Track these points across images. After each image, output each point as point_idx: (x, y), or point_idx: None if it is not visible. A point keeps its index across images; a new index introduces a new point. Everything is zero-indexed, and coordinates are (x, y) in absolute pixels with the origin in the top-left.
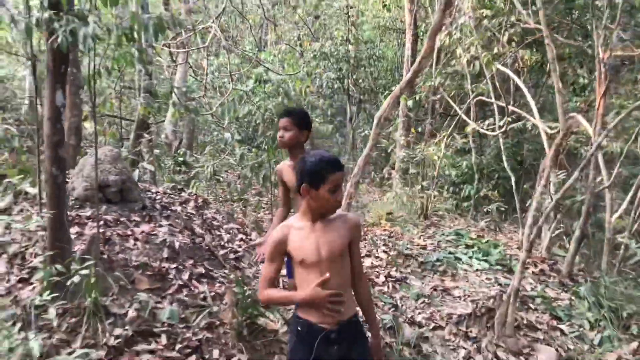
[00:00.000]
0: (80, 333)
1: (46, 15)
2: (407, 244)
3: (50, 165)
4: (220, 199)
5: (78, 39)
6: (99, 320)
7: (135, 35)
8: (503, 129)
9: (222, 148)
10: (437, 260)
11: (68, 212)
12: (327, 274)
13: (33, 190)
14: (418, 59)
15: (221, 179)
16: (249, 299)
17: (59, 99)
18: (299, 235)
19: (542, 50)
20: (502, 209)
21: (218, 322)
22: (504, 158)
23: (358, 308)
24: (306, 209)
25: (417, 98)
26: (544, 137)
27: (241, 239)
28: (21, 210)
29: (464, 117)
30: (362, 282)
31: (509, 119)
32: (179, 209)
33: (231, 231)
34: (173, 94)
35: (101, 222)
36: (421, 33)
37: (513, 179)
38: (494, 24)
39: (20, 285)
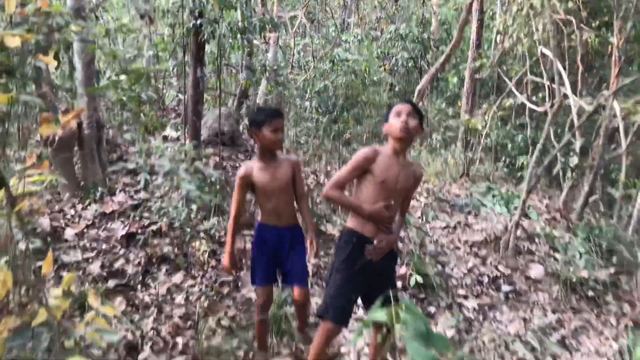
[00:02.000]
0: (209, 219)
1: (198, 22)
2: (444, 193)
3: (192, 115)
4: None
5: (215, 36)
6: (220, 214)
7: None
8: (550, 105)
9: (303, 116)
10: (466, 204)
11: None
12: (392, 201)
13: (175, 134)
14: (448, 47)
15: (301, 141)
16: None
17: (199, 73)
18: (384, 162)
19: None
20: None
21: None
22: (550, 131)
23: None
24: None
25: (481, 73)
26: (574, 114)
27: (312, 178)
28: (166, 147)
29: (515, 92)
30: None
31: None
32: None
33: (305, 170)
34: (266, 71)
35: (221, 159)
36: (487, 18)
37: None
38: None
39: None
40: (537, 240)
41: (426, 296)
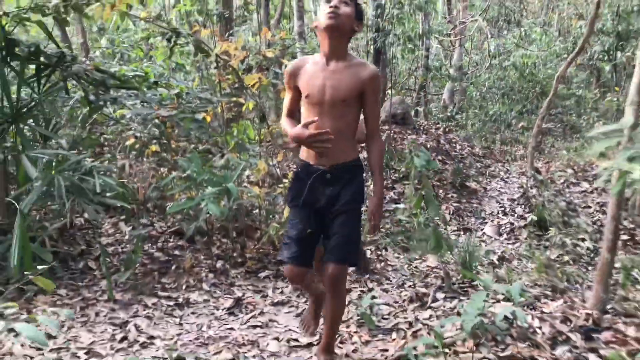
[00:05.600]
0: None
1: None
2: (594, 166)
3: None
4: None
5: (387, 44)
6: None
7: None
8: None
9: (472, 104)
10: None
11: None
12: (316, 118)
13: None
14: (581, 39)
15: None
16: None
17: None
18: (307, 72)
19: None
20: None
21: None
22: None
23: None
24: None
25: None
26: None
27: (467, 149)
28: None
29: None
30: (374, 141)
31: None
32: (433, 130)
33: (462, 144)
34: (445, 68)
35: (392, 132)
36: None
37: None
38: None
39: None
40: None
41: (542, 234)
